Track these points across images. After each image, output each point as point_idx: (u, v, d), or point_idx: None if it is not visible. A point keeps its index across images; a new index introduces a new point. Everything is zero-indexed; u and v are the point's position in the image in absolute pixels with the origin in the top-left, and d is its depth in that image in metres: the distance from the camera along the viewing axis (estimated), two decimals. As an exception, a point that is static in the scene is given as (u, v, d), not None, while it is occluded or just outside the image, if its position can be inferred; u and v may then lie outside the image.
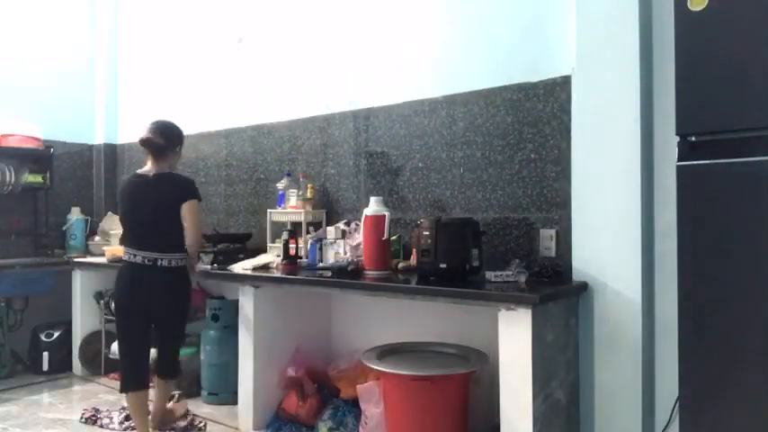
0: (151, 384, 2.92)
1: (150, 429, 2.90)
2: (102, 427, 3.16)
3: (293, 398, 3.04)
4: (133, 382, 2.81)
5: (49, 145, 4.51)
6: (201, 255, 3.53)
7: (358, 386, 2.82)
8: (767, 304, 1.77)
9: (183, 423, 3.10)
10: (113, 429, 3.11)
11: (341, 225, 3.28)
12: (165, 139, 2.87)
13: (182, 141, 3.03)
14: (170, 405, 3.18)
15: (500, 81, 2.87)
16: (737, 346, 1.82)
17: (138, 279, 2.79)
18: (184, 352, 3.63)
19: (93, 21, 5.03)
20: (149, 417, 2.92)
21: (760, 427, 1.77)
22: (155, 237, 2.80)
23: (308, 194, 3.47)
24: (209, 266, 3.21)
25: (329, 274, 2.89)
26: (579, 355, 2.54)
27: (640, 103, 2.39)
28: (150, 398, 2.94)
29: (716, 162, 1.85)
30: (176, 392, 3.32)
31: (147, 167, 2.89)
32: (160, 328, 2.91)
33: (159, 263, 2.76)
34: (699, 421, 1.89)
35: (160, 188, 2.82)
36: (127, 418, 3.16)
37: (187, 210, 2.79)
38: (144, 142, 2.85)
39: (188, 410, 3.27)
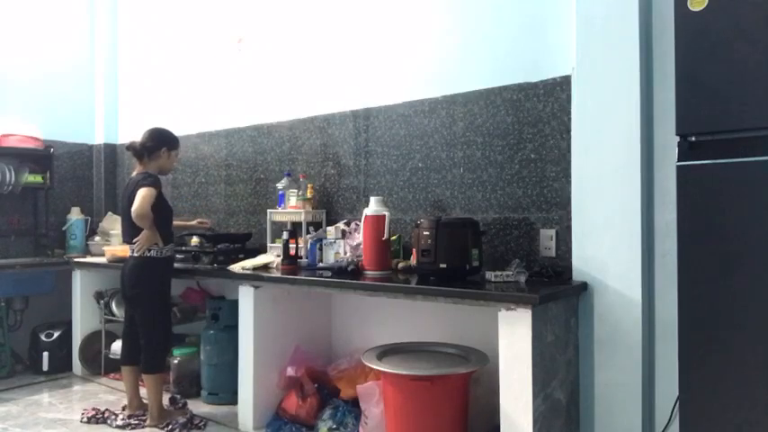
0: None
1: (148, 422, 3.13)
2: (106, 422, 3.18)
3: (293, 398, 3.04)
4: (124, 357, 3.29)
5: (49, 145, 4.52)
6: (202, 255, 3.55)
7: (358, 386, 2.82)
8: (767, 304, 1.77)
9: (182, 419, 3.10)
10: (118, 426, 3.11)
11: (341, 225, 3.28)
12: (146, 142, 3.16)
13: (169, 143, 3.23)
14: (167, 405, 3.25)
15: (500, 81, 2.88)
16: (737, 347, 1.82)
17: (122, 268, 3.21)
18: (183, 351, 3.65)
19: (93, 21, 5.03)
20: (139, 397, 3.28)
21: (760, 427, 1.77)
22: (126, 229, 3.17)
23: (308, 194, 3.47)
24: (144, 253, 3.08)
25: (329, 274, 2.89)
26: (579, 355, 2.54)
27: (640, 103, 2.39)
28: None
29: (716, 162, 1.85)
30: (180, 399, 3.37)
31: (136, 170, 3.20)
32: (135, 315, 3.17)
33: (132, 252, 3.12)
34: (699, 421, 1.89)
35: (133, 186, 3.08)
36: (130, 416, 3.18)
37: (137, 194, 2.97)
38: (126, 148, 3.23)
39: (187, 411, 3.27)
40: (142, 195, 2.94)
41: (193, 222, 3.85)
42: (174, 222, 3.50)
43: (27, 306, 4.30)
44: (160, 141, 3.18)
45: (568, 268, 2.58)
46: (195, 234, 3.81)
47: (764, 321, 1.77)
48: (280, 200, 3.55)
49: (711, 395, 1.86)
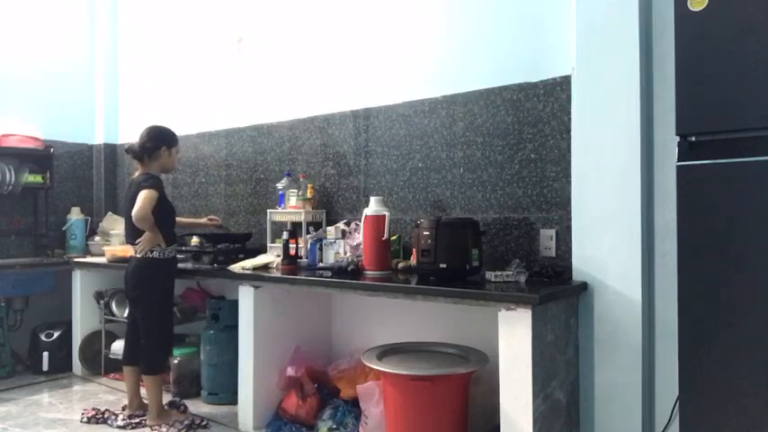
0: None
1: (148, 421, 3.13)
2: (106, 422, 3.18)
3: (293, 398, 3.04)
4: (126, 357, 3.29)
5: (49, 145, 4.51)
6: (202, 255, 3.55)
7: (358, 386, 2.82)
8: (767, 304, 1.77)
9: (186, 421, 3.11)
10: (119, 426, 3.12)
11: (341, 225, 3.28)
12: (145, 143, 3.13)
13: (168, 142, 3.20)
14: (166, 406, 3.24)
15: (500, 81, 2.88)
16: (737, 346, 1.82)
17: (126, 269, 3.22)
18: (183, 351, 3.64)
19: (93, 21, 5.03)
20: (140, 397, 3.28)
21: (760, 427, 1.77)
22: (128, 230, 3.16)
23: (308, 194, 3.47)
24: (146, 253, 3.08)
25: (329, 274, 2.89)
26: (579, 355, 2.54)
27: (640, 103, 2.39)
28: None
29: (716, 162, 1.85)
30: (180, 402, 3.36)
31: (138, 171, 3.19)
32: (136, 315, 3.18)
33: (135, 253, 3.12)
34: (699, 421, 1.89)
35: (134, 187, 3.06)
36: (130, 416, 3.18)
37: (138, 197, 2.95)
38: (125, 151, 3.23)
39: (188, 414, 3.27)
40: (143, 198, 2.93)
41: (203, 220, 3.82)
42: (183, 220, 3.51)
43: (27, 306, 4.29)
44: (159, 140, 3.15)
45: (568, 268, 2.58)
46: (197, 233, 3.81)
47: (764, 321, 1.77)
48: (280, 200, 3.55)
49: (711, 395, 1.86)
